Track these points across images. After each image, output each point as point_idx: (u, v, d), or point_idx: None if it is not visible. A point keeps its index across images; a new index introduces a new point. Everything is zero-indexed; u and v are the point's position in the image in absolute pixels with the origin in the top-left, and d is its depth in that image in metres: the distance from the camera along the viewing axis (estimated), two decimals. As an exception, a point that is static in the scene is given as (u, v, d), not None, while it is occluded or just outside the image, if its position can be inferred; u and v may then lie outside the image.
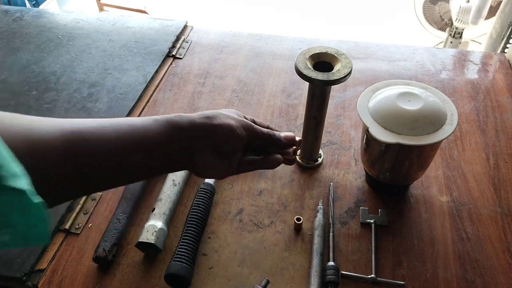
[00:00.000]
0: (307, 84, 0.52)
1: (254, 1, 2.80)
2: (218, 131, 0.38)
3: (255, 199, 0.58)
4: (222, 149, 0.39)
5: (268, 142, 0.43)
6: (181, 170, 0.40)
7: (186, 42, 0.89)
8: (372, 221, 0.54)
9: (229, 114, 0.41)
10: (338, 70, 0.49)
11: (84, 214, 0.56)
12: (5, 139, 0.23)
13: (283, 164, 0.44)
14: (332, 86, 0.52)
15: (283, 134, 0.44)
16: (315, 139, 0.59)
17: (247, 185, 0.60)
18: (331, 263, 0.49)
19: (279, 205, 0.57)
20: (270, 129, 0.45)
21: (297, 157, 0.63)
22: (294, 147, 0.45)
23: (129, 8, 2.27)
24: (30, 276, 0.50)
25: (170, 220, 0.54)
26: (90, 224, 0.55)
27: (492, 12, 1.49)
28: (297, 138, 0.45)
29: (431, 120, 0.48)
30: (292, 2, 2.79)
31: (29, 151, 0.28)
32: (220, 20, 2.65)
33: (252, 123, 0.42)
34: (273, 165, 0.43)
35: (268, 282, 0.46)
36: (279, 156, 0.43)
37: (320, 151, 0.63)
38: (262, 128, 0.42)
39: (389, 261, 0.51)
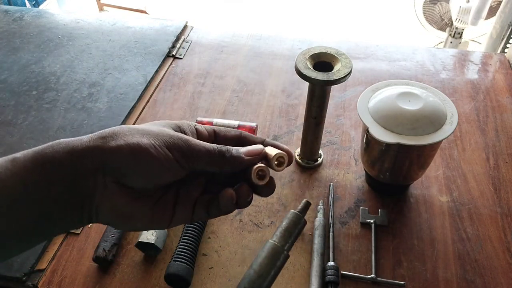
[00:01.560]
0: (307, 84, 0.52)
1: (254, 1, 2.80)
2: (116, 157, 0.26)
3: (255, 199, 0.58)
4: (137, 185, 0.27)
5: (220, 165, 0.28)
6: (78, 227, 0.28)
7: (186, 42, 0.89)
8: (372, 221, 0.54)
9: (148, 128, 0.28)
10: (338, 70, 0.49)
11: (84, 214, 0.56)
12: None
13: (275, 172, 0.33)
14: (332, 86, 0.52)
15: (243, 149, 0.29)
16: (315, 139, 0.59)
17: (247, 185, 0.60)
18: (331, 263, 0.49)
19: (279, 205, 0.57)
20: (241, 140, 0.31)
21: (297, 157, 0.63)
22: (279, 160, 0.29)
23: (129, 8, 2.27)
24: (30, 276, 0.50)
25: (170, 220, 0.54)
26: (90, 224, 0.55)
27: (492, 12, 1.49)
28: (282, 151, 0.29)
29: (431, 120, 0.48)
30: (292, 2, 2.79)
31: None
32: (220, 20, 2.65)
33: (189, 139, 0.28)
34: (226, 209, 0.29)
35: (308, 204, 0.32)
36: (228, 193, 0.28)
37: (320, 151, 0.63)
38: (204, 144, 0.28)
39: (389, 261, 0.51)
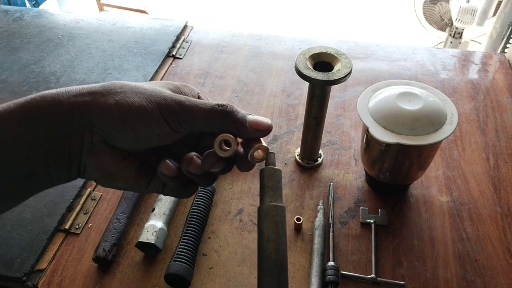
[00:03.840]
0: (307, 84, 0.52)
1: (254, 1, 2.80)
2: (105, 117, 0.24)
3: (255, 199, 0.58)
4: (125, 147, 0.26)
5: (219, 125, 0.26)
6: (65, 182, 0.26)
7: (186, 42, 0.89)
8: (372, 221, 0.54)
9: (143, 86, 0.26)
10: (338, 70, 0.49)
11: (84, 214, 0.56)
12: None
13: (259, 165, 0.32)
14: (332, 86, 0.52)
15: (250, 117, 0.27)
16: (315, 139, 0.59)
17: (247, 185, 0.60)
18: (331, 263, 0.49)
19: (279, 205, 0.57)
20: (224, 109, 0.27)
21: (297, 157, 0.63)
22: (260, 145, 0.27)
23: (129, 8, 2.27)
24: (30, 276, 0.50)
25: (170, 220, 0.54)
26: (90, 224, 0.55)
27: (493, 10, 1.49)
28: (264, 144, 0.27)
29: (431, 120, 0.48)
30: (292, 2, 2.79)
31: None
32: (220, 20, 2.65)
33: (183, 100, 0.26)
34: (187, 193, 0.29)
35: (271, 153, 0.28)
36: (189, 155, 0.27)
37: (320, 151, 0.63)
38: (202, 103, 0.26)
39: (389, 261, 0.51)
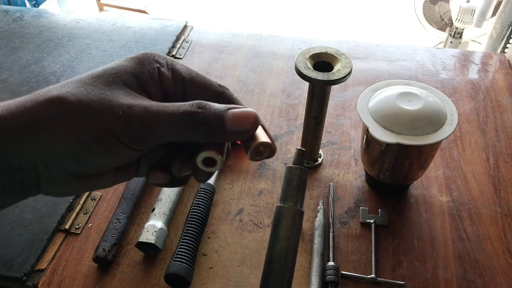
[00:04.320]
0: (307, 84, 0.52)
1: (254, 1, 2.80)
2: (54, 155, 0.22)
3: (255, 199, 0.58)
4: (87, 173, 0.24)
5: (190, 135, 0.22)
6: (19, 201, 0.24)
7: (186, 42, 0.89)
8: (372, 221, 0.54)
9: (89, 101, 0.21)
10: (338, 70, 0.49)
11: (84, 214, 0.56)
12: None
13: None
14: (332, 86, 0.52)
15: (229, 113, 0.22)
16: (315, 139, 0.59)
17: (247, 185, 0.60)
18: (331, 263, 0.49)
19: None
20: (222, 94, 0.24)
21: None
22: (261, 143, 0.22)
23: (129, 8, 2.27)
24: (30, 276, 0.50)
25: (170, 220, 0.54)
26: (90, 224, 0.55)
27: (492, 12, 1.49)
28: (264, 139, 0.22)
29: (431, 120, 0.48)
30: (292, 2, 2.79)
31: None
32: (220, 20, 2.65)
33: (139, 114, 0.21)
34: (182, 184, 0.26)
35: (303, 153, 0.27)
36: (155, 175, 0.25)
37: (320, 151, 0.63)
38: (171, 111, 0.21)
39: (389, 261, 0.51)
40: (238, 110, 0.22)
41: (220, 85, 0.25)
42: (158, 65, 0.24)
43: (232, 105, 0.22)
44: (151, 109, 0.21)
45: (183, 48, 0.87)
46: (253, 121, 0.22)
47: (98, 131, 0.21)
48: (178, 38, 0.90)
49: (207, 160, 0.22)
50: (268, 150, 0.23)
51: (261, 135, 0.23)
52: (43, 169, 0.22)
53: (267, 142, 0.22)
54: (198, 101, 0.22)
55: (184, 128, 0.21)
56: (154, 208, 0.53)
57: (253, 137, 0.22)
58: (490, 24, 1.16)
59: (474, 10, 1.49)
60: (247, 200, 0.58)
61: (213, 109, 0.22)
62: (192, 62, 0.84)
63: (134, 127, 0.21)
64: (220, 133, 0.22)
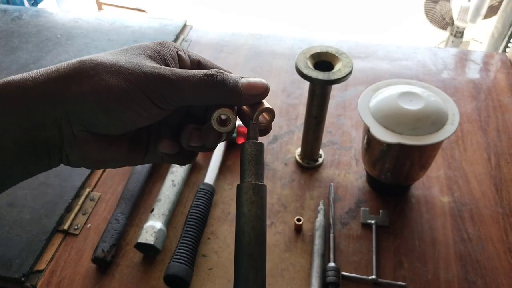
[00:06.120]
0: (307, 83, 0.52)
1: (254, 0, 2.80)
2: (82, 106, 0.22)
3: (255, 199, 0.58)
4: (108, 132, 0.24)
5: (214, 99, 0.24)
6: (44, 171, 0.25)
7: (185, 41, 0.89)
8: (373, 221, 0.54)
9: (119, 62, 0.23)
10: (339, 69, 0.49)
11: (83, 214, 0.56)
12: None
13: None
14: (332, 86, 0.51)
15: (243, 81, 0.25)
16: (316, 139, 0.59)
17: (247, 185, 0.60)
18: (331, 264, 0.49)
19: (279, 206, 0.57)
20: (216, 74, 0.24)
21: (298, 157, 0.62)
22: (264, 110, 0.25)
23: (128, 7, 2.26)
24: (29, 277, 0.49)
25: (170, 221, 0.54)
26: (89, 225, 0.55)
27: (493, 11, 1.48)
28: (268, 105, 0.26)
29: (432, 120, 0.47)
30: (292, 2, 2.79)
31: None
32: (219, 19, 2.65)
33: (167, 75, 0.23)
34: (189, 161, 0.27)
35: (256, 126, 0.26)
36: (189, 128, 0.26)
37: (321, 151, 0.63)
38: (189, 75, 0.24)
39: (390, 262, 0.51)
40: (252, 79, 0.25)
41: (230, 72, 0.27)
42: (176, 49, 0.27)
43: (241, 78, 0.25)
44: (175, 71, 0.24)
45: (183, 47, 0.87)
46: (265, 87, 0.25)
47: (128, 85, 0.22)
48: (177, 37, 0.89)
49: (220, 120, 0.25)
50: (271, 116, 0.26)
51: (266, 103, 0.26)
52: (67, 126, 0.23)
53: (271, 108, 0.25)
54: (215, 68, 0.25)
55: (205, 88, 0.24)
56: (153, 209, 0.53)
57: (260, 103, 0.26)
58: (491, 23, 1.16)
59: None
60: (247, 201, 0.58)
61: (230, 75, 0.25)
62: (192, 62, 0.83)
63: (161, 84, 0.23)
64: (236, 95, 0.24)
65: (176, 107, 0.24)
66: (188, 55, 0.27)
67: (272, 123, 0.27)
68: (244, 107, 0.27)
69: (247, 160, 0.24)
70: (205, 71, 0.24)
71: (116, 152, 0.25)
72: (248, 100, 0.25)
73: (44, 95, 0.22)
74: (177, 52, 0.26)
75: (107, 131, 0.24)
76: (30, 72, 0.23)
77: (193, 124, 0.26)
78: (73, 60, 0.23)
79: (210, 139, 0.25)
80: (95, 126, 0.23)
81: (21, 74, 0.22)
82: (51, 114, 0.22)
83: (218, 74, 0.24)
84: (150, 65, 0.24)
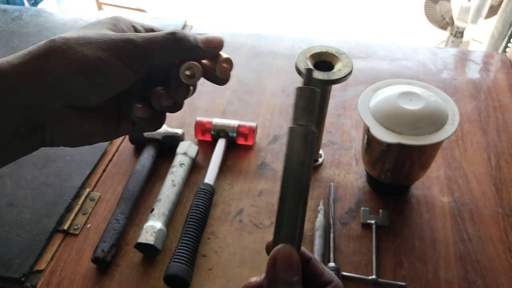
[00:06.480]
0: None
1: (254, 0, 2.80)
2: (64, 80, 0.23)
3: (255, 199, 0.58)
4: (90, 103, 0.25)
5: (175, 52, 0.26)
6: (27, 154, 0.26)
7: (185, 41, 0.89)
8: (373, 221, 0.54)
9: (86, 35, 0.25)
10: (339, 69, 0.49)
11: (83, 214, 0.56)
12: None
13: None
14: (332, 86, 0.51)
15: (201, 37, 0.27)
16: (315, 139, 0.59)
17: (247, 185, 0.60)
18: (331, 264, 0.49)
19: (279, 206, 0.57)
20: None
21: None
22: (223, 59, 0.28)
23: (128, 7, 2.26)
24: (29, 277, 0.49)
25: (170, 221, 0.54)
26: (89, 225, 0.55)
27: (493, 11, 1.48)
28: (226, 56, 0.28)
29: (432, 120, 0.47)
30: (292, 2, 2.79)
31: None
32: (219, 19, 2.65)
33: (133, 38, 0.25)
34: (159, 125, 0.29)
35: (311, 71, 0.27)
36: (158, 90, 0.27)
37: (321, 151, 0.63)
38: (152, 36, 0.26)
39: (390, 262, 0.51)
40: (209, 34, 0.28)
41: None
42: (130, 21, 0.29)
43: (199, 35, 0.27)
44: (140, 34, 0.26)
45: (183, 47, 0.87)
46: (220, 40, 0.28)
47: (102, 52, 0.24)
48: (177, 37, 0.89)
49: (188, 73, 0.27)
50: (230, 65, 0.28)
51: (224, 54, 0.29)
52: (49, 103, 0.24)
53: (229, 57, 0.28)
54: (175, 30, 0.27)
55: (169, 45, 0.26)
56: (153, 209, 0.53)
57: (219, 55, 0.28)
58: (491, 23, 1.16)
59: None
60: (247, 201, 0.58)
61: (189, 32, 0.27)
62: (192, 62, 0.83)
63: (131, 47, 0.25)
64: (197, 48, 0.27)
65: (146, 69, 0.26)
66: (142, 26, 0.29)
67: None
68: (205, 61, 0.29)
69: (302, 106, 0.25)
70: (166, 31, 0.26)
71: (94, 125, 0.27)
72: (208, 52, 0.28)
73: (23, 75, 0.23)
74: (132, 24, 0.28)
75: (85, 102, 0.25)
76: (3, 58, 0.23)
77: (159, 88, 0.28)
78: (43, 41, 0.24)
79: (180, 94, 0.28)
80: (76, 98, 0.25)
81: None
82: (32, 94, 0.23)
83: (179, 31, 0.26)
84: (114, 33, 0.26)
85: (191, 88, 0.29)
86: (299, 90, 0.25)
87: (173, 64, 0.28)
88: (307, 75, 0.25)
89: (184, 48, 0.26)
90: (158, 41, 0.26)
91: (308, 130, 0.24)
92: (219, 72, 0.28)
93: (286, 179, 0.24)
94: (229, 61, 0.28)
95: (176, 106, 0.29)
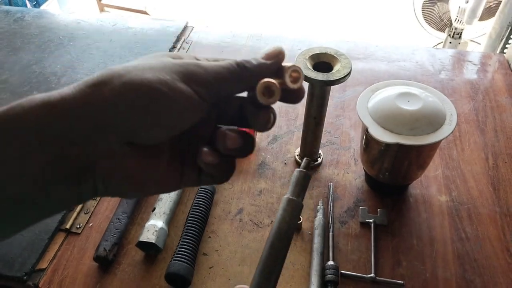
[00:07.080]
0: (306, 84, 0.52)
1: (254, 1, 2.81)
2: (120, 107, 0.20)
3: (255, 198, 0.58)
4: (150, 139, 0.21)
5: (245, 79, 0.23)
6: (75, 205, 0.24)
7: (186, 42, 0.89)
8: (371, 220, 0.55)
9: (147, 62, 0.22)
10: (338, 70, 0.49)
11: (85, 213, 0.57)
12: None
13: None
14: (331, 86, 0.52)
15: (260, 55, 0.24)
16: (315, 139, 0.59)
17: (247, 184, 0.60)
18: (330, 262, 0.49)
19: (279, 205, 0.58)
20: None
21: (297, 157, 0.63)
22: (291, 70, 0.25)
23: (129, 8, 2.27)
24: (31, 276, 0.50)
25: (171, 220, 0.54)
26: (91, 224, 0.56)
27: (491, 12, 1.49)
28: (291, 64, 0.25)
29: (430, 120, 0.48)
30: (292, 2, 2.80)
31: None
32: (220, 20, 2.66)
33: (200, 62, 0.23)
34: (228, 175, 0.25)
35: (309, 162, 0.31)
36: (205, 152, 0.23)
37: (320, 151, 0.63)
38: (218, 63, 0.23)
39: (389, 261, 0.51)
40: (265, 50, 0.24)
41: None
42: (193, 56, 0.26)
43: (257, 56, 0.25)
44: (205, 63, 0.23)
45: (184, 48, 0.88)
46: (280, 48, 0.25)
47: (165, 75, 0.21)
48: (178, 38, 0.90)
49: (266, 92, 0.24)
50: (299, 70, 0.25)
51: (287, 63, 0.26)
52: (103, 139, 0.20)
53: (294, 64, 0.25)
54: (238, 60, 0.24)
55: (236, 70, 0.23)
56: (154, 208, 0.54)
57: (283, 67, 0.25)
58: (489, 24, 1.16)
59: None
60: (247, 200, 0.58)
61: (252, 59, 0.24)
62: (192, 63, 0.84)
63: (198, 71, 0.22)
64: (262, 65, 0.24)
65: (214, 99, 0.23)
66: (205, 59, 0.26)
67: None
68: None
69: (297, 184, 0.31)
70: (230, 60, 0.23)
71: (155, 168, 0.23)
72: (274, 64, 0.24)
73: (74, 109, 0.19)
74: (194, 56, 0.25)
75: (146, 137, 0.21)
76: (54, 91, 0.20)
77: (224, 128, 0.24)
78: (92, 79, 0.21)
79: (261, 120, 0.24)
80: (135, 132, 0.20)
81: (44, 94, 0.20)
82: (81, 129, 0.19)
83: (239, 60, 0.24)
84: (178, 59, 0.23)
85: (271, 115, 0.24)
86: (298, 173, 0.31)
87: (241, 105, 0.25)
88: (305, 164, 0.31)
89: (250, 70, 0.23)
90: (225, 66, 0.23)
91: (299, 203, 0.31)
92: (290, 82, 0.25)
93: (275, 234, 0.30)
94: (296, 68, 0.25)
95: (248, 146, 0.24)
